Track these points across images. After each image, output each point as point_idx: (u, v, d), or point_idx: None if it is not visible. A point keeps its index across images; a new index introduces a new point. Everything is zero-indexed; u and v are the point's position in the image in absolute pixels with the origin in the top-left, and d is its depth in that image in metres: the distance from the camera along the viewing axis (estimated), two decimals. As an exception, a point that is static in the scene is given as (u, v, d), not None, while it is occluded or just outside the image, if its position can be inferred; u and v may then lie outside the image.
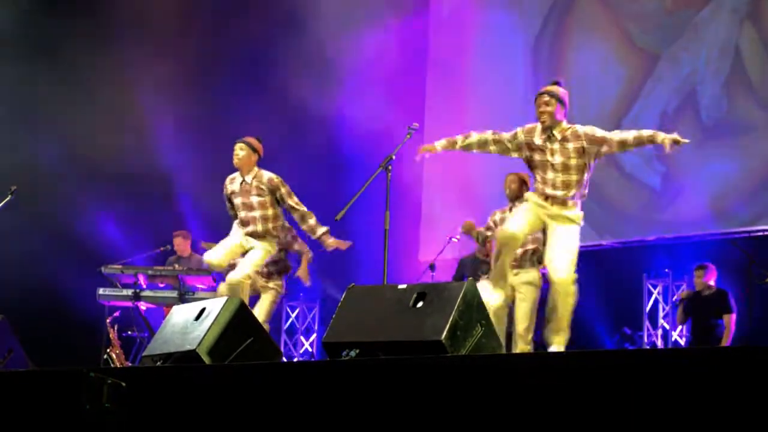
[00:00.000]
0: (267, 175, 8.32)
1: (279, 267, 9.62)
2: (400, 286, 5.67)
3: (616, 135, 6.87)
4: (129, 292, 10.85)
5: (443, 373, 4.68)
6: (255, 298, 9.34)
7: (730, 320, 10.07)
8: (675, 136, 6.66)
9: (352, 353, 5.33)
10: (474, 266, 10.45)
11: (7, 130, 12.40)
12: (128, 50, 13.11)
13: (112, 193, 12.72)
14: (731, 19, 11.62)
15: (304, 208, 8.40)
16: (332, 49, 13.35)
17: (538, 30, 13.26)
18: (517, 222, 7.01)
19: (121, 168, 12.67)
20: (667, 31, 12.11)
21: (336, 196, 10.83)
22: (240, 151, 8.31)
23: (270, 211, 8.30)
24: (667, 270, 11.53)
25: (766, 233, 11.00)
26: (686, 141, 6.68)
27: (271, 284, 9.46)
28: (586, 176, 6.92)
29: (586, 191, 6.98)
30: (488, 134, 7.30)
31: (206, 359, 6.00)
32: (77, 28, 12.98)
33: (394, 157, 7.11)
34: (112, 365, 9.35)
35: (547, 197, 6.93)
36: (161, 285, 11.05)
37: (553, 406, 4.27)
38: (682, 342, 11.24)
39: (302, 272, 9.57)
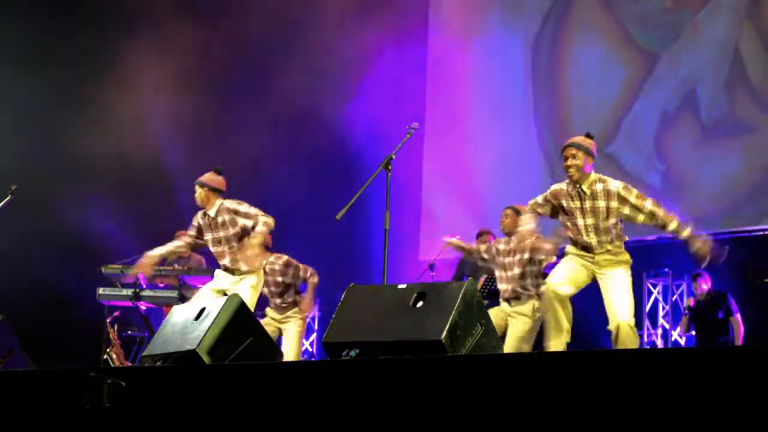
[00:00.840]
0: (228, 205, 8.18)
1: (291, 294, 9.63)
2: (400, 286, 5.66)
3: (648, 205, 6.79)
4: (129, 291, 10.83)
5: (443, 373, 4.68)
6: None
7: (737, 320, 10.07)
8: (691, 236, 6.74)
9: (352, 353, 5.34)
10: (474, 266, 10.44)
11: (8, 130, 12.40)
12: (127, 50, 13.10)
13: (113, 193, 12.71)
14: (731, 18, 11.62)
15: (259, 218, 8.16)
16: (331, 50, 13.36)
17: (537, 29, 13.26)
18: (560, 276, 6.92)
19: (121, 167, 12.68)
20: (667, 31, 12.11)
21: (336, 196, 10.84)
22: (197, 191, 8.21)
23: (235, 245, 8.16)
24: (666, 269, 11.54)
25: (765, 233, 11.00)
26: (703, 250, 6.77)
27: (290, 313, 9.51)
28: (620, 226, 6.91)
29: (625, 237, 6.98)
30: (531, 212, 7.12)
31: (206, 359, 6.00)
32: (76, 28, 12.99)
33: (394, 157, 7.10)
34: (112, 365, 9.36)
35: (584, 248, 6.90)
36: (161, 285, 11.04)
37: (553, 406, 4.27)
38: (682, 341, 11.25)
39: (307, 302, 9.53)
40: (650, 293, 11.63)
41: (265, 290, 9.49)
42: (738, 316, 10.13)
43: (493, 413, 4.40)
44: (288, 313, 9.56)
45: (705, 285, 10.43)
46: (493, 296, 9.41)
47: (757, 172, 11.18)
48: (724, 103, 11.55)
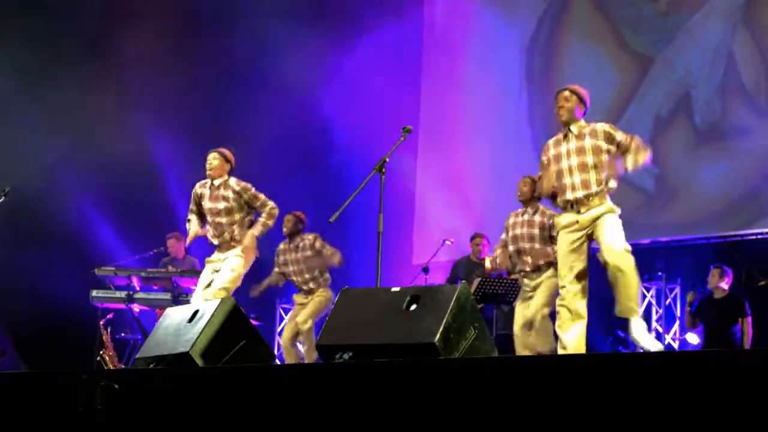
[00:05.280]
0: (231, 181, 8.32)
1: (316, 273, 9.82)
2: (394, 289, 5.66)
3: (630, 143, 6.89)
4: (122, 294, 10.84)
5: (436, 375, 4.68)
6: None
7: (748, 324, 9.89)
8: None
9: (346, 356, 5.34)
10: (467, 269, 10.47)
11: (2, 132, 12.38)
12: (123, 52, 13.10)
13: (106, 195, 12.70)
14: (725, 22, 11.63)
15: (271, 204, 8.37)
16: (326, 52, 13.36)
17: (532, 32, 13.27)
18: (569, 286, 6.93)
19: (114, 169, 12.66)
20: (660, 35, 12.12)
21: (330, 198, 10.84)
22: (213, 160, 8.35)
23: (236, 216, 8.26)
24: (660, 273, 11.53)
25: (758, 237, 11.00)
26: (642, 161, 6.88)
27: (313, 295, 9.81)
28: (604, 174, 6.84)
29: (613, 185, 6.91)
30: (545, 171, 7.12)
31: (199, 361, 6.00)
32: (74, 28, 12.98)
33: (388, 160, 7.09)
34: (105, 367, 9.35)
35: (570, 203, 6.88)
36: (155, 287, 11.04)
37: (546, 409, 4.27)
38: (675, 345, 11.25)
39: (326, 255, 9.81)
40: (644, 297, 11.62)
41: (294, 268, 9.88)
42: (749, 319, 9.92)
43: (486, 416, 4.40)
44: (312, 296, 9.86)
45: (726, 284, 10.14)
46: (486, 299, 9.42)
47: (750, 176, 11.18)
48: (717, 106, 11.55)
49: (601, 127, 6.93)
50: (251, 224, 8.33)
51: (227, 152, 8.42)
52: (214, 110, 13.64)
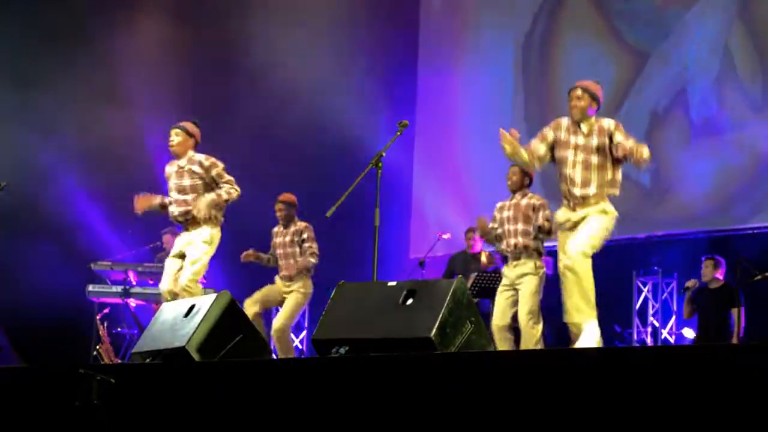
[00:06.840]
0: (199, 157, 8.06)
1: (298, 260, 9.65)
2: (390, 283, 5.66)
3: (627, 143, 6.75)
4: (119, 288, 10.85)
5: (433, 370, 4.68)
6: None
7: (741, 313, 9.92)
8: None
9: (342, 350, 5.34)
10: (464, 263, 10.48)
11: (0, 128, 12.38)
12: (120, 47, 13.08)
13: (102, 190, 12.68)
14: (721, 17, 11.64)
15: (237, 188, 8.03)
16: (324, 45, 13.34)
17: (528, 27, 13.27)
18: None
19: (110, 165, 12.65)
20: (657, 29, 12.12)
21: (327, 193, 10.80)
22: (175, 136, 8.08)
23: (202, 193, 7.97)
24: (656, 268, 11.55)
25: (755, 231, 11.02)
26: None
27: (295, 286, 9.52)
28: (609, 175, 6.81)
29: (616, 191, 6.87)
30: (530, 148, 7.05)
31: (196, 356, 6.00)
32: (66, 24, 12.95)
33: (384, 155, 7.08)
34: (101, 362, 9.35)
35: (566, 197, 6.85)
36: (151, 282, 11.04)
37: (542, 403, 4.28)
38: (672, 339, 11.27)
39: (293, 267, 9.59)
40: (640, 292, 11.63)
41: (281, 251, 9.64)
42: (742, 309, 9.96)
43: (482, 410, 4.41)
44: (293, 286, 9.58)
45: (720, 274, 10.22)
46: (483, 294, 9.43)
47: (746, 171, 11.19)
48: (713, 101, 11.57)
49: (608, 124, 6.85)
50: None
51: (190, 126, 8.14)
52: (210, 106, 13.61)
